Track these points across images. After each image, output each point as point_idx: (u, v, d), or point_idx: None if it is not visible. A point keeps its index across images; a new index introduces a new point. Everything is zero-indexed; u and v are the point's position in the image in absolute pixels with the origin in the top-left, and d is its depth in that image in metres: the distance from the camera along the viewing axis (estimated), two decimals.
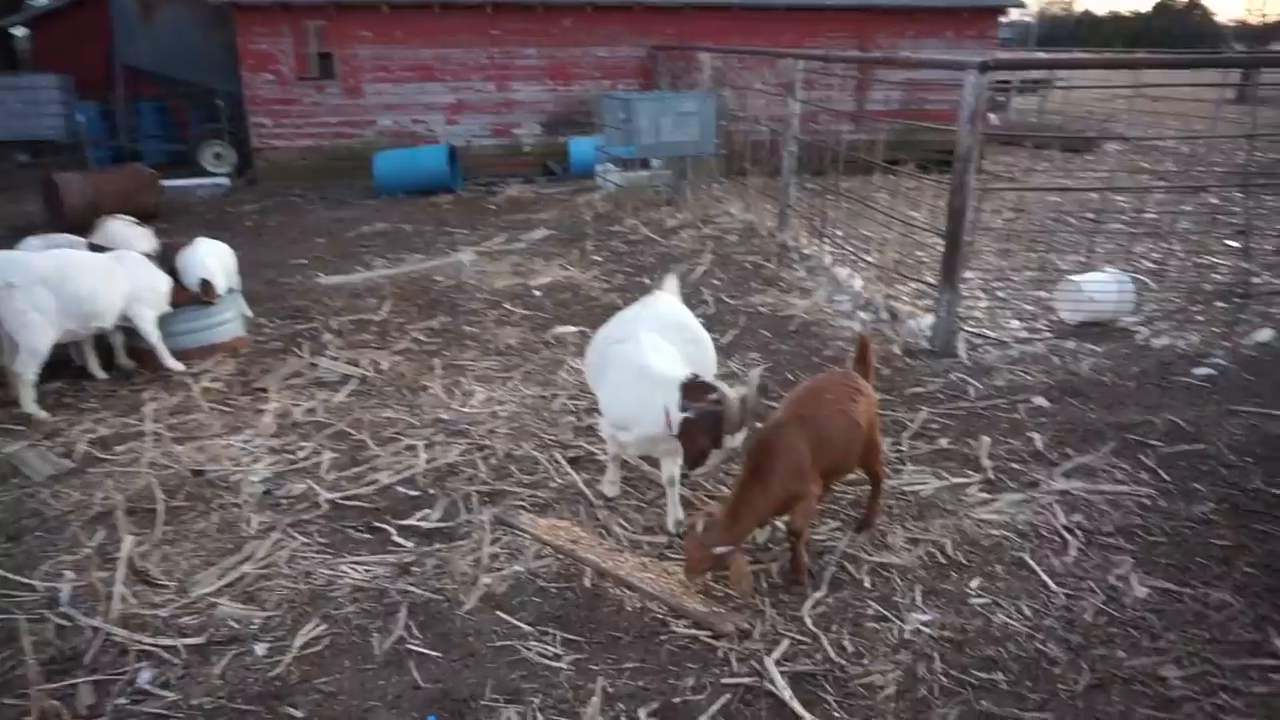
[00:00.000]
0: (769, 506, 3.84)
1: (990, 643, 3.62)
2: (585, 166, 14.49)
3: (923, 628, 3.71)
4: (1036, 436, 5.36)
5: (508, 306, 8.12)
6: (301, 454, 5.25)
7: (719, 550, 3.69)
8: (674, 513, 4.42)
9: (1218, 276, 8.44)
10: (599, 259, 9.66)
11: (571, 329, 7.43)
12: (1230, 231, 9.49)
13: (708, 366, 4.61)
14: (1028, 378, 6.30)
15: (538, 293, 8.52)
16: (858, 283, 8.13)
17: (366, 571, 4.07)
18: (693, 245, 9.95)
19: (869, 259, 8.64)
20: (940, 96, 14.56)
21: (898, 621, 3.75)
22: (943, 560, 4.19)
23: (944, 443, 5.31)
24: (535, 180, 15.02)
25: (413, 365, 6.66)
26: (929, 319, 7.01)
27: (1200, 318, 7.31)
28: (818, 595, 3.92)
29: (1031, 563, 4.14)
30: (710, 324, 7.51)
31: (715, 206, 11.74)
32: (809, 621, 3.75)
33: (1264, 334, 6.90)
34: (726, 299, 8.07)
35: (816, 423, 3.89)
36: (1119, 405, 5.82)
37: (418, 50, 14.93)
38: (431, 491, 4.84)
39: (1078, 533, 4.37)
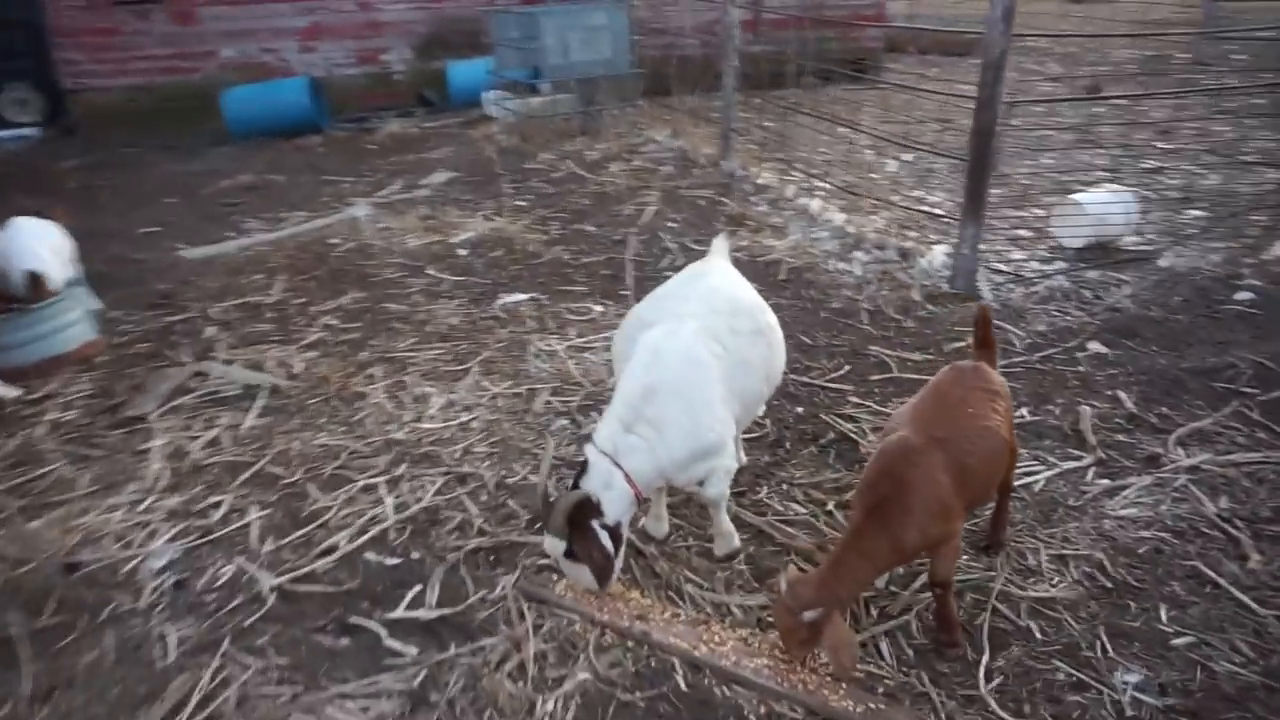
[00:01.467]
0: (896, 556, 2.83)
1: (1230, 706, 2.78)
2: (467, 94, 12.75)
3: (1140, 694, 2.82)
4: (1122, 395, 4.57)
5: (432, 272, 6.68)
6: (216, 515, 3.84)
7: (809, 615, 2.68)
8: (726, 544, 3.43)
9: (1208, 183, 7.93)
10: (523, 204, 8.25)
11: (521, 297, 6.13)
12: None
13: (774, 373, 3.49)
14: (1068, 319, 5.51)
15: (463, 252, 7.10)
16: (836, 216, 7.14)
17: (364, 713, 2.82)
18: (629, 181, 8.67)
19: (828, 185, 7.66)
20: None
21: (1104, 689, 2.85)
22: (1108, 584, 3.32)
23: (1024, 413, 4.44)
24: (413, 113, 13.16)
25: (335, 364, 5.23)
26: (940, 256, 6.11)
27: (1214, 234, 6.73)
28: (984, 659, 2.97)
29: (1212, 574, 3.33)
30: None
31: (637, 134, 10.43)
32: (993, 703, 2.80)
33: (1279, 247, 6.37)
34: (692, 245, 6.92)
35: (959, 446, 2.87)
36: (1184, 345, 5.11)
37: None
38: (415, 555, 3.58)
39: (1238, 523, 3.59)
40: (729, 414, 3.20)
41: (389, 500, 3.88)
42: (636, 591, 3.31)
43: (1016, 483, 3.84)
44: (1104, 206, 6.55)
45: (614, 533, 2.99)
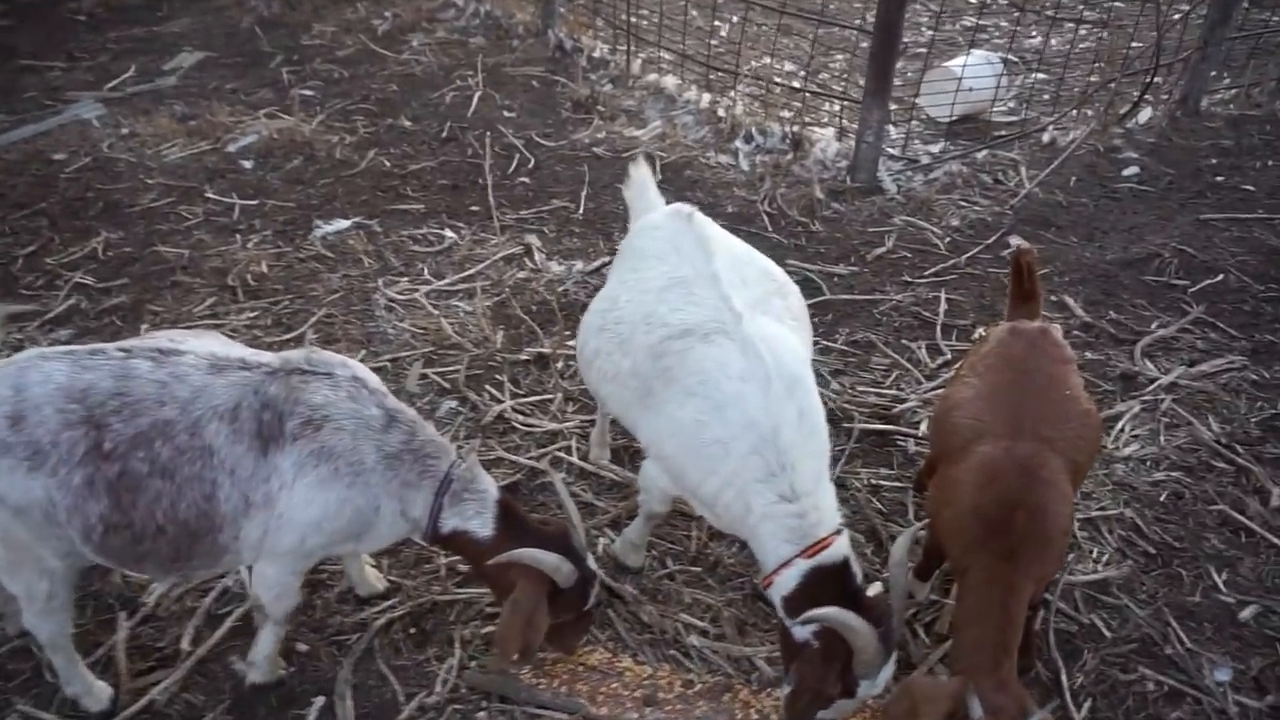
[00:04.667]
0: (1032, 595, 2.19)
1: None
2: None
3: (1238, 696, 2.45)
4: (1069, 301, 4.19)
5: (212, 195, 5.14)
6: None
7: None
8: None
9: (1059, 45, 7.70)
10: (311, 94, 6.61)
11: (344, 224, 4.82)
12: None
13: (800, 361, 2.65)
14: (978, 209, 5.07)
15: (248, 164, 5.55)
16: (702, 97, 6.22)
17: None
18: (438, 59, 7.19)
19: (673, 56, 6.70)
20: None
21: (1200, 695, 2.45)
22: (1150, 549, 2.92)
23: (981, 333, 3.95)
24: None
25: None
26: (834, 145, 5.43)
27: (1085, 102, 6.49)
28: (1063, 677, 2.47)
29: (1241, 518, 3.03)
30: (540, 183, 5.32)
31: None
32: None
33: (1144, 114, 6.25)
34: (540, 140, 5.78)
35: (1072, 445, 2.24)
36: (1099, 233, 4.82)
37: None
38: (301, 646, 2.55)
39: (1238, 449, 3.31)
40: None
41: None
42: (628, 658, 2.51)
43: None
44: (975, 74, 6.10)
45: None
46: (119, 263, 4.49)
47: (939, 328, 3.98)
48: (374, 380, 2.34)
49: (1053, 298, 4.21)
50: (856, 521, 3.00)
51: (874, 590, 2.19)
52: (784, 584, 2.09)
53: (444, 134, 5.87)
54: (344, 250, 4.57)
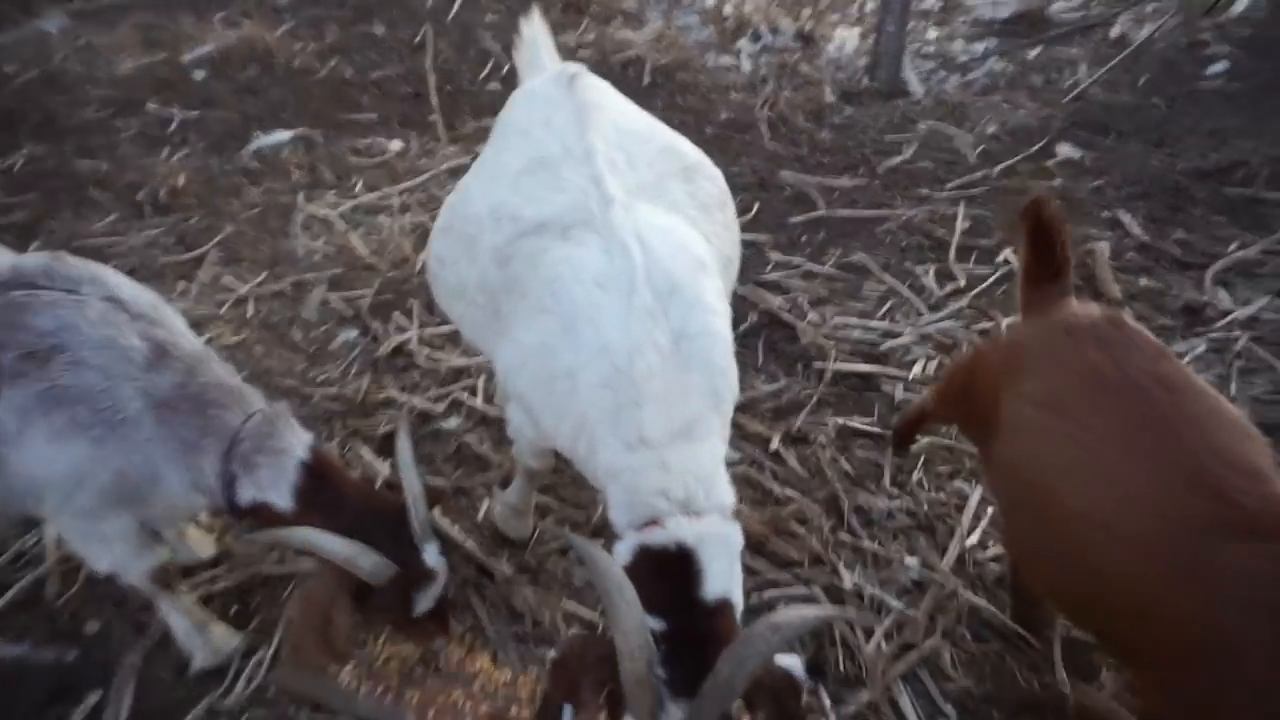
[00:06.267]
0: None
1: None
2: None
3: None
4: (1124, 218, 3.39)
5: (153, 107, 4.65)
6: None
7: None
8: None
9: None
10: (283, 2, 6.05)
11: (284, 136, 4.27)
12: None
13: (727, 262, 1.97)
14: (1022, 113, 4.24)
15: (200, 73, 5.03)
16: None
17: None
18: None
19: None
20: None
21: None
22: None
23: (1007, 258, 3.20)
24: None
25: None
26: (853, 41, 4.63)
27: None
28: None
29: None
30: (511, 89, 4.66)
31: None
32: None
33: (1240, 3, 5.24)
34: None
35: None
36: (1171, 138, 3.96)
37: None
38: (90, 626, 2.06)
39: None
40: None
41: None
42: (486, 656, 1.94)
43: None
44: None
45: None
46: (33, 177, 4.03)
47: (953, 248, 3.24)
48: (143, 300, 1.78)
49: (1104, 213, 3.42)
50: (814, 487, 2.36)
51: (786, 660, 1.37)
52: (619, 556, 1.48)
53: (417, 40, 5.25)
54: (275, 163, 4.03)
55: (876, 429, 2.53)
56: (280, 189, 3.83)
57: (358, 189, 3.79)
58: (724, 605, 1.41)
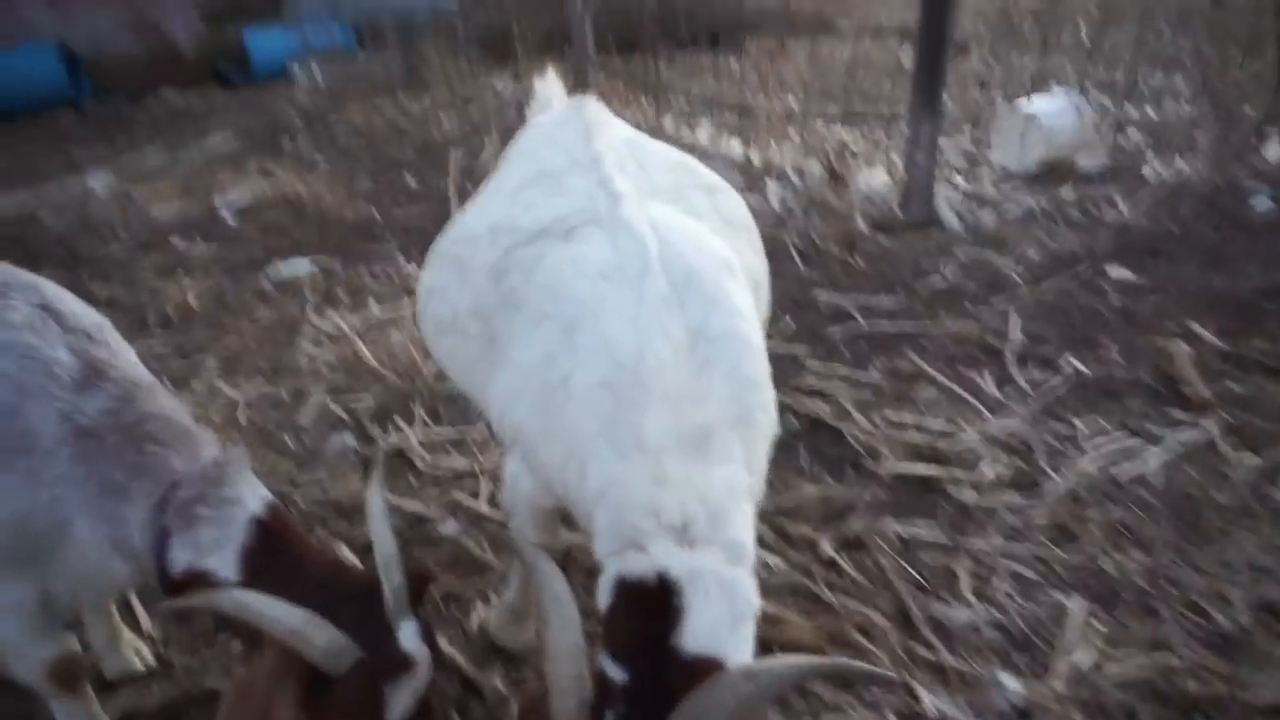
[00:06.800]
0: None
1: None
2: (273, 66, 10.48)
3: None
4: (1195, 326, 3.11)
5: (178, 242, 4.64)
6: None
7: None
8: None
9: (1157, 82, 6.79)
10: (321, 159, 6.25)
11: (303, 264, 4.19)
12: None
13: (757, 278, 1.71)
14: (1063, 241, 4.07)
15: (228, 215, 5.07)
16: (732, 146, 5.53)
17: None
18: (461, 127, 6.82)
19: (714, 117, 6.07)
20: None
21: None
22: None
23: (1074, 363, 2.91)
24: (207, 90, 10.80)
25: None
26: (881, 176, 4.59)
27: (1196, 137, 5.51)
28: None
29: None
30: None
31: (474, 83, 8.56)
32: None
33: (1272, 149, 5.21)
34: None
35: None
36: (1227, 262, 3.75)
37: None
38: None
39: None
40: None
41: None
42: None
43: (1102, 467, 2.28)
44: (1057, 117, 5.22)
45: None
46: None
47: (1008, 353, 2.95)
48: (87, 319, 1.54)
49: (1171, 324, 3.14)
50: (877, 596, 1.95)
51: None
52: (601, 597, 1.11)
53: (445, 189, 5.31)
54: (290, 287, 3.92)
55: (944, 538, 2.14)
56: (291, 307, 3.68)
57: (370, 304, 3.63)
58: (708, 666, 1.02)
